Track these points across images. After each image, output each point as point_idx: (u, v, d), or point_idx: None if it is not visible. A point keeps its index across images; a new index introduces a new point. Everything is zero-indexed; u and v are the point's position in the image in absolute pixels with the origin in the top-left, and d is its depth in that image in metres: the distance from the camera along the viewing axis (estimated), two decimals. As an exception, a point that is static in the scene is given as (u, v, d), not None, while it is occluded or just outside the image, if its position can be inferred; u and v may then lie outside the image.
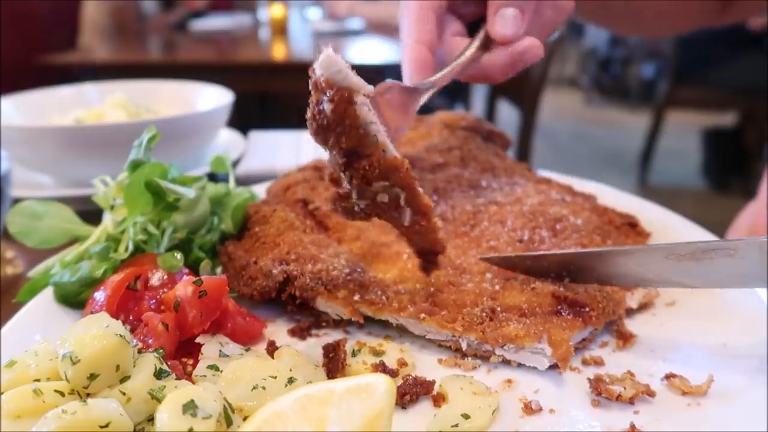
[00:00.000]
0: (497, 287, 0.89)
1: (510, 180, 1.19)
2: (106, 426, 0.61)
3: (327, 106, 0.72)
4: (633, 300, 0.92)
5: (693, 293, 0.94)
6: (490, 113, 4.74)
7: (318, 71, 0.71)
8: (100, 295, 0.86)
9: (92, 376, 0.66)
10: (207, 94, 1.89)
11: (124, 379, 0.68)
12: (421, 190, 0.80)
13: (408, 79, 0.92)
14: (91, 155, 1.46)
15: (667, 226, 1.10)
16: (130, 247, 0.95)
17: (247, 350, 0.83)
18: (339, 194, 0.81)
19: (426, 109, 1.49)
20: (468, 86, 5.44)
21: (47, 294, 0.94)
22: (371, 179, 0.77)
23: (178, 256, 0.94)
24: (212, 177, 1.28)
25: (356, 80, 0.72)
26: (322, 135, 0.75)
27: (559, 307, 0.85)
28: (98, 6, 5.52)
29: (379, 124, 0.76)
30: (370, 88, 0.74)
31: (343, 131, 0.73)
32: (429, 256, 0.88)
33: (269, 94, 5.37)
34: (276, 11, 5.27)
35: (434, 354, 0.87)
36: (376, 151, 0.75)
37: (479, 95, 5.71)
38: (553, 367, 0.80)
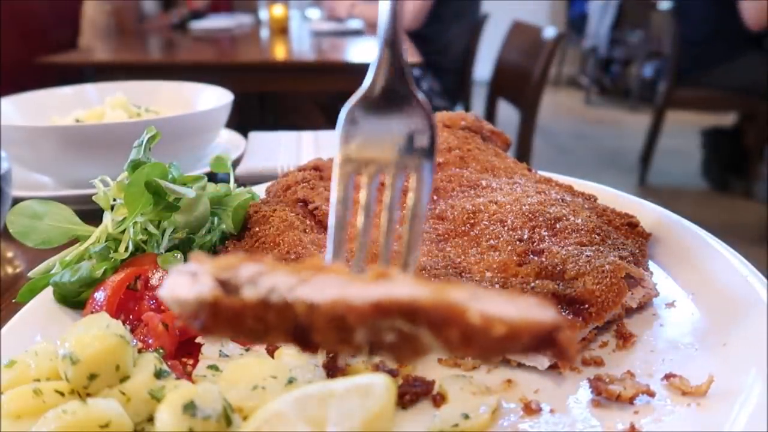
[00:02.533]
0: (497, 287, 0.89)
1: (510, 180, 1.19)
2: (106, 426, 0.61)
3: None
4: (633, 300, 0.92)
5: (693, 293, 0.95)
6: (490, 113, 4.73)
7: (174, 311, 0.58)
8: (100, 295, 0.86)
9: (92, 376, 0.66)
10: (207, 94, 1.89)
11: (124, 379, 0.68)
12: (412, 296, 0.51)
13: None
14: (91, 155, 1.46)
15: (667, 226, 1.10)
16: (130, 247, 0.95)
17: (247, 350, 0.83)
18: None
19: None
20: (468, 86, 5.45)
21: (47, 294, 0.94)
22: (344, 336, 0.54)
23: (178, 256, 0.94)
24: (212, 177, 1.28)
25: (192, 305, 0.55)
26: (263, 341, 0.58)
27: (559, 306, 0.85)
28: (98, 6, 5.52)
29: (283, 277, 0.55)
30: (196, 296, 0.54)
31: (266, 329, 0.55)
32: (547, 349, 0.51)
33: (269, 94, 5.37)
34: (276, 11, 5.28)
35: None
36: (310, 312, 0.53)
37: (479, 95, 5.70)
38: (553, 367, 0.80)
